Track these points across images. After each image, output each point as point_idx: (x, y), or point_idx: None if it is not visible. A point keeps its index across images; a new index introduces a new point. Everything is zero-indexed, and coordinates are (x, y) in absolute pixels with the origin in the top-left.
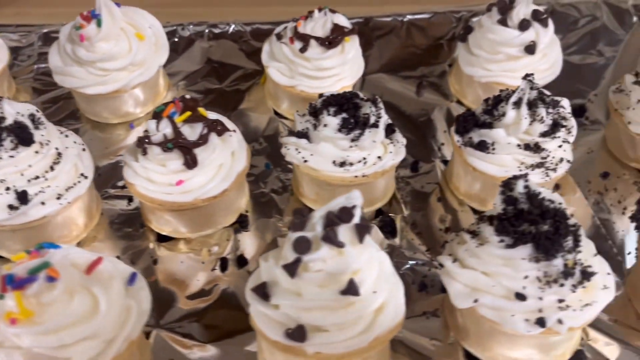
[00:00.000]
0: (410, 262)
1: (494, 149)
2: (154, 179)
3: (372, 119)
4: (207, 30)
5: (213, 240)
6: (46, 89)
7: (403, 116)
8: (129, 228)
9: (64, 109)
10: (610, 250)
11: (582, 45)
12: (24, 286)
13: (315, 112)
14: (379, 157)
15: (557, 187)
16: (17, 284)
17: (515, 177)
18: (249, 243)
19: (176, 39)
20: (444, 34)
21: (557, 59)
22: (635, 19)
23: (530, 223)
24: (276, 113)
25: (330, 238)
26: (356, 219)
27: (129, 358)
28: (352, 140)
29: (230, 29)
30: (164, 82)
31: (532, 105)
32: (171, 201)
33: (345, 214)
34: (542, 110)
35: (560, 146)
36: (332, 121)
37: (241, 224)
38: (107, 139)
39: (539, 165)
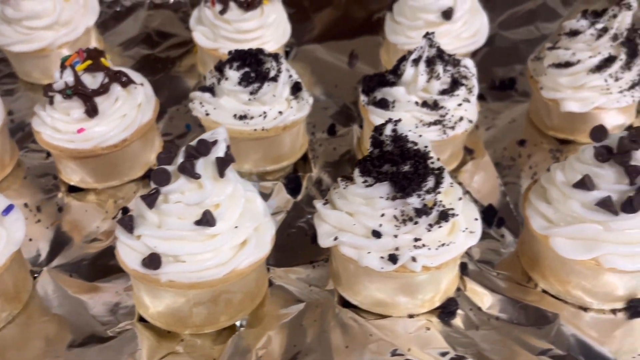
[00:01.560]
0: (308, 216)
1: (393, 106)
2: (59, 127)
3: (272, 73)
4: (148, 0)
5: (121, 193)
6: None
7: (329, 85)
8: (43, 179)
9: (2, 71)
10: (510, 210)
11: (521, 20)
12: None
13: (220, 67)
14: (280, 112)
15: (470, 151)
16: None
17: (387, 122)
18: None
19: (118, 8)
20: (381, 8)
21: (481, 28)
22: None
23: (391, 164)
24: (205, 78)
25: (186, 169)
26: (218, 153)
27: None
28: (251, 93)
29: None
30: (98, 46)
31: (430, 62)
32: (72, 148)
33: (203, 147)
34: (439, 68)
35: (460, 105)
36: (233, 75)
37: (150, 178)
38: (38, 100)
39: (437, 122)
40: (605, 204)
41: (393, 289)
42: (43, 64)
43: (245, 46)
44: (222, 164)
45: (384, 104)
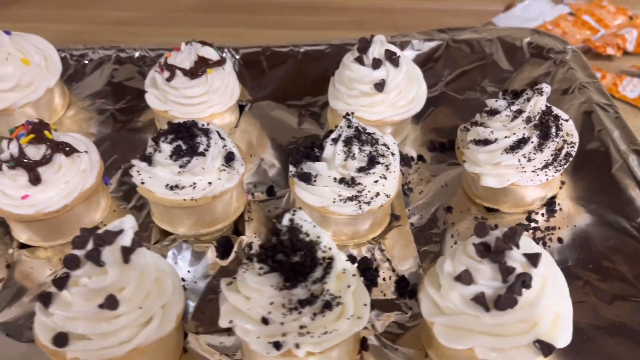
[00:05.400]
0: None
1: (315, 180)
2: (6, 192)
3: (201, 148)
4: (114, 55)
5: (68, 249)
6: None
7: (276, 143)
8: None
9: None
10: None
11: (468, 81)
12: None
13: (157, 138)
14: (210, 183)
15: (396, 217)
16: None
17: (286, 211)
18: None
19: (86, 62)
20: (335, 66)
21: (417, 96)
22: (527, 56)
23: (283, 254)
24: None
25: (92, 257)
26: (124, 242)
27: None
28: (181, 166)
29: (136, 54)
30: (62, 101)
31: (347, 142)
32: (16, 213)
33: (109, 236)
34: (355, 148)
35: (376, 181)
36: (166, 148)
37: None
38: None
39: (353, 198)
40: (478, 299)
41: None
42: (7, 121)
43: (192, 109)
44: (127, 252)
45: (307, 178)
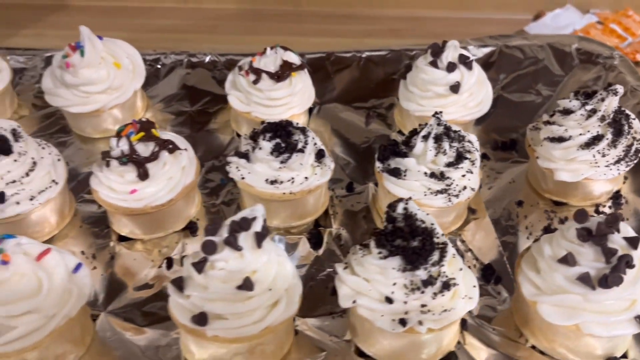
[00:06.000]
0: (328, 269)
1: (405, 175)
2: (114, 187)
3: (300, 145)
4: (186, 59)
5: (165, 242)
6: (44, 105)
7: (348, 142)
8: (96, 228)
9: (57, 123)
10: (506, 269)
11: (523, 84)
12: None
13: (254, 136)
14: (306, 178)
15: (473, 211)
16: None
17: (399, 200)
18: (194, 247)
19: (159, 66)
20: (396, 70)
21: (485, 97)
22: (576, 61)
23: (402, 239)
24: (238, 135)
25: (230, 242)
26: (256, 228)
27: (68, 333)
28: (282, 162)
29: (207, 59)
30: (142, 104)
31: (438, 139)
32: (125, 207)
33: (245, 223)
34: (445, 144)
35: (463, 175)
36: (266, 145)
37: (190, 230)
38: (89, 151)
39: (443, 191)
40: (584, 279)
41: (402, 344)
42: (95, 122)
43: (274, 111)
44: (260, 237)
45: (396, 173)
